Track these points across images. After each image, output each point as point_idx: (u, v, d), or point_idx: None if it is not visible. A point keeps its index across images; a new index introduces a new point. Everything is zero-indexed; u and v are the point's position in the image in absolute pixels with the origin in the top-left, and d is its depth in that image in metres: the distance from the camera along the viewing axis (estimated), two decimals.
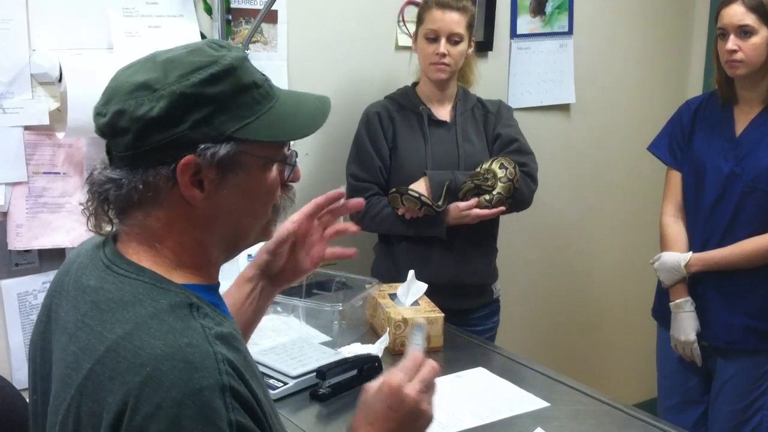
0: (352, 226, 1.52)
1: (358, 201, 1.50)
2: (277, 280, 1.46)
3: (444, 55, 2.43)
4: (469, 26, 2.47)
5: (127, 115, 1.04)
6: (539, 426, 1.75)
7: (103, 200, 1.10)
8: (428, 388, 1.15)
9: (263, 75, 1.13)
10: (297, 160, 1.18)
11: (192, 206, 1.07)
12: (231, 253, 1.17)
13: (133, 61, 1.12)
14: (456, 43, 2.44)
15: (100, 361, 1.01)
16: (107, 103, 1.07)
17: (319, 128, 1.16)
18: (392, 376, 1.13)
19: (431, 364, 1.17)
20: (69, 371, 1.06)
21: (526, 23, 3.13)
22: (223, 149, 1.05)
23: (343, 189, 1.47)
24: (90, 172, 1.11)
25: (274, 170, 1.13)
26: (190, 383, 0.96)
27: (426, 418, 1.15)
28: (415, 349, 1.21)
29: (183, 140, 1.04)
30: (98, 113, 1.09)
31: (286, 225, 1.42)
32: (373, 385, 1.15)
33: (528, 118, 2.99)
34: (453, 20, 2.42)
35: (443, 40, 2.42)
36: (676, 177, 2.59)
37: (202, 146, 1.04)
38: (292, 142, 1.19)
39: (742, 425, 2.50)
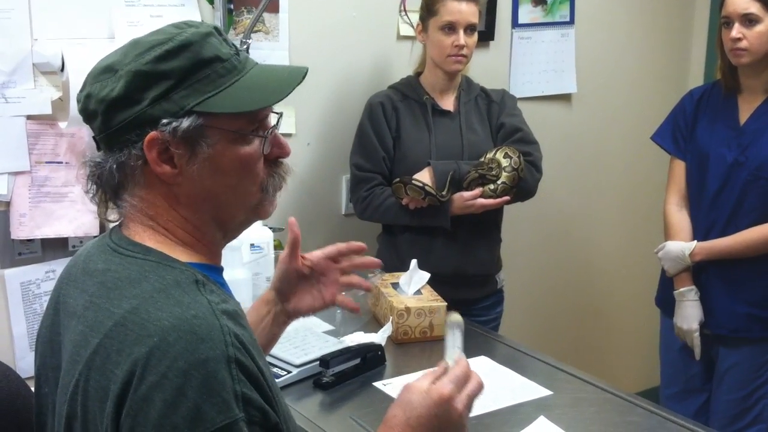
0: (365, 283, 1.59)
1: (375, 261, 1.58)
2: (290, 309, 1.49)
3: (463, 47, 2.42)
4: (480, 15, 2.49)
5: (93, 98, 1.08)
6: (542, 414, 1.75)
7: (98, 185, 1.12)
8: (472, 404, 1.19)
9: (233, 48, 1.12)
10: (277, 132, 1.16)
11: (169, 184, 1.09)
12: (225, 233, 1.17)
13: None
14: (472, 33, 2.45)
15: (108, 335, 1.02)
16: (82, 90, 1.11)
17: (282, 98, 1.12)
18: (443, 385, 1.16)
19: (478, 379, 1.21)
20: (77, 349, 1.07)
21: (528, 13, 3.12)
22: (185, 123, 1.06)
23: (364, 244, 1.54)
24: (84, 160, 1.13)
25: (255, 144, 1.12)
26: (195, 354, 0.97)
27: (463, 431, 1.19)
28: (458, 352, 1.24)
29: (144, 117, 1.06)
30: (77, 100, 1.12)
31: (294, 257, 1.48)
32: (418, 386, 1.17)
33: (529, 107, 2.98)
34: (470, 11, 2.43)
35: (461, 32, 2.42)
36: (679, 166, 2.59)
37: (164, 121, 1.05)
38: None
39: (743, 414, 2.50)
